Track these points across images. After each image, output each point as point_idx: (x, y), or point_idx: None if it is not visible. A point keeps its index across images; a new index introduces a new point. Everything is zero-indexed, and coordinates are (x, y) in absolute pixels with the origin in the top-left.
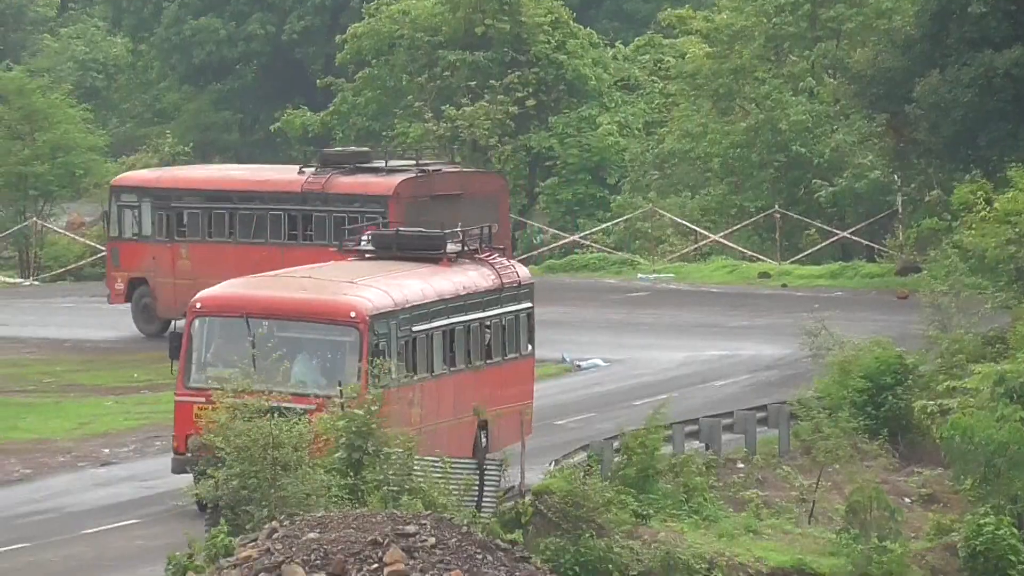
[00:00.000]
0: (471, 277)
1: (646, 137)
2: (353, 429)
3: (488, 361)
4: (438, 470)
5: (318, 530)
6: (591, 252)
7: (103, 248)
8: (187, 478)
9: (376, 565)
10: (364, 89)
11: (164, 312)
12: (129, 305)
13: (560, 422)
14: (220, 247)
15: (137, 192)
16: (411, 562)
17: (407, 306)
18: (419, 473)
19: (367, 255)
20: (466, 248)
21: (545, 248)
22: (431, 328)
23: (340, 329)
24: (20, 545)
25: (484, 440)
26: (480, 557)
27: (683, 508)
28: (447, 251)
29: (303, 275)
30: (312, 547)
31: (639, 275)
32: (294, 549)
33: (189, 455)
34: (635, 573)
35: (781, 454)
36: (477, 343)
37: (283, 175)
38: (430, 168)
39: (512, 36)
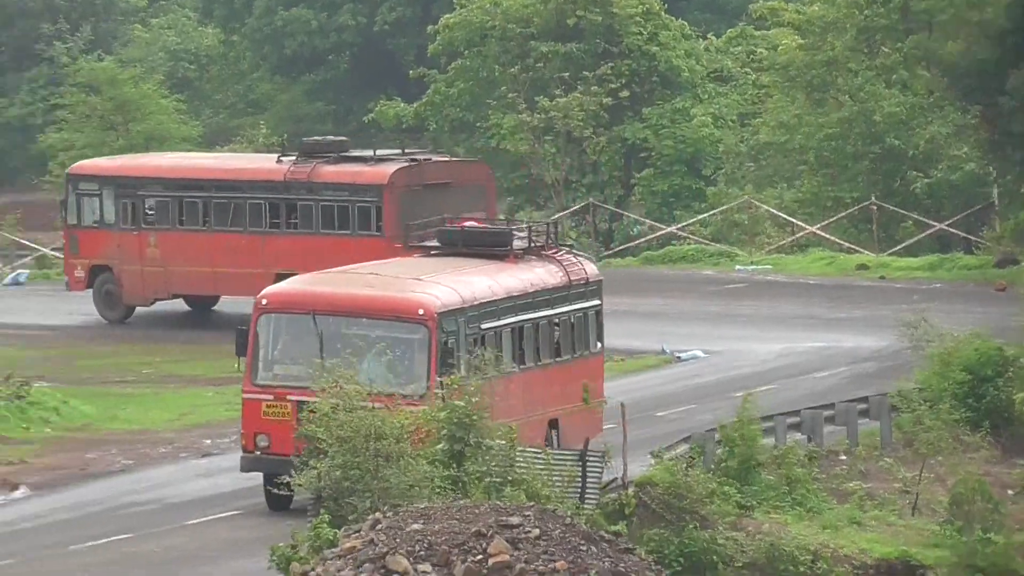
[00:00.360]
0: (538, 274)
1: (740, 128)
2: (455, 421)
3: (557, 359)
4: (541, 462)
5: (422, 521)
6: (688, 243)
7: None
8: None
9: (480, 556)
10: (457, 80)
11: (129, 299)
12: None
13: (661, 413)
14: (192, 235)
15: (98, 180)
16: (516, 553)
17: (475, 303)
18: (521, 465)
19: (432, 252)
20: (533, 244)
21: (642, 239)
22: (499, 325)
23: (408, 326)
24: (122, 536)
25: (555, 438)
26: (584, 548)
27: (786, 500)
28: (514, 247)
29: (369, 271)
30: (416, 538)
31: (737, 267)
32: (398, 540)
33: (258, 453)
34: (740, 564)
35: (883, 446)
36: (546, 340)
37: (262, 163)
38: (421, 157)
39: (604, 27)
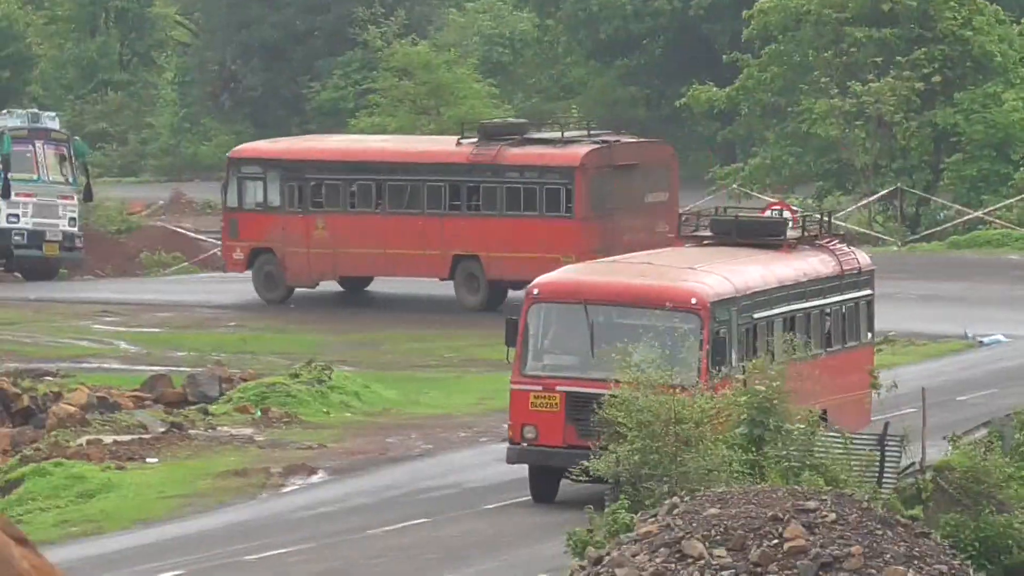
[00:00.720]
0: (811, 263)
1: None
2: (755, 405)
3: (828, 349)
4: (839, 446)
5: (719, 506)
6: (995, 228)
7: None
8: None
9: (776, 541)
10: (770, 64)
11: (293, 281)
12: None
13: (962, 398)
14: (363, 218)
15: (261, 164)
16: (811, 538)
17: (748, 292)
18: (820, 449)
19: (704, 241)
20: (806, 233)
21: (949, 224)
22: (771, 315)
23: (681, 316)
24: (420, 520)
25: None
26: (880, 533)
27: None
28: (787, 237)
29: (641, 261)
30: (712, 522)
31: None
32: (694, 524)
33: (524, 444)
34: None
35: None
36: (817, 330)
37: (441, 146)
38: (611, 139)
39: (918, 12)
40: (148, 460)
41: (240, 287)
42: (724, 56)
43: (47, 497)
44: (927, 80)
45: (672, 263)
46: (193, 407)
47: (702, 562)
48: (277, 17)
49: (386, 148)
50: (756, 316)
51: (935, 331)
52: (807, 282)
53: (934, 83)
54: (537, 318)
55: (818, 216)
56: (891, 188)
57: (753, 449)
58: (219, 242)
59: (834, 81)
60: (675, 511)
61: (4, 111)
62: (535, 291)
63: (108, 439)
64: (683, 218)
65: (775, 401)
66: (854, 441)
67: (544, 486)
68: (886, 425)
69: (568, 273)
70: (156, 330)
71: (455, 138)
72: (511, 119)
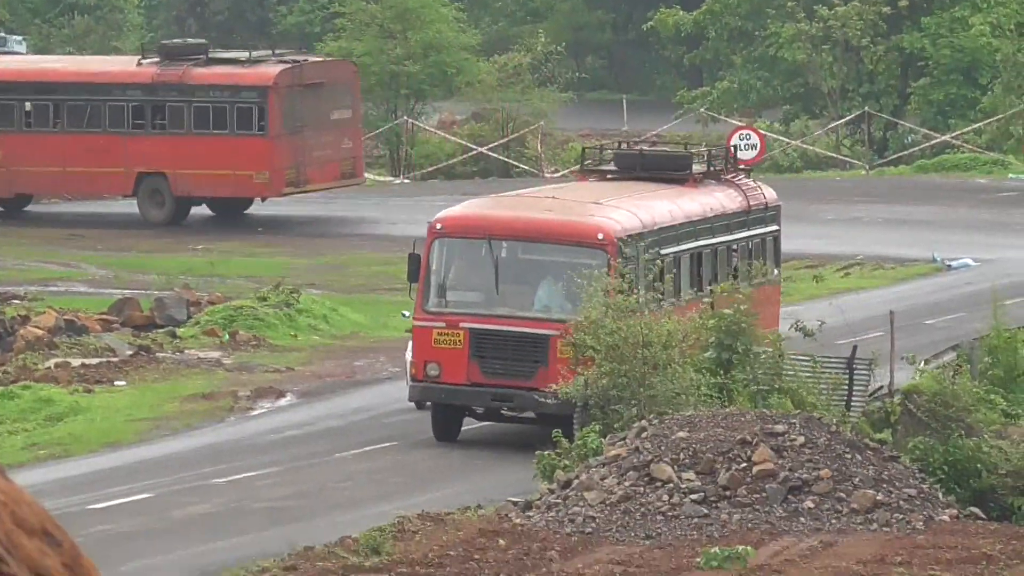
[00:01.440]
0: (718, 198)
1: (1018, 38)
2: (723, 328)
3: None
4: (807, 369)
5: (687, 429)
6: (962, 152)
7: (475, 146)
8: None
9: (745, 464)
10: None
11: None
12: None
13: (930, 322)
14: (40, 137)
15: None
16: (779, 461)
17: (655, 228)
18: (788, 372)
19: (609, 176)
20: (712, 168)
21: (916, 148)
22: (678, 251)
23: (587, 252)
24: (387, 444)
25: None
26: (848, 456)
27: None
28: (693, 171)
29: (546, 195)
30: (681, 446)
31: (1010, 175)
32: (663, 448)
33: (427, 382)
34: (1004, 472)
35: None
36: (724, 267)
37: (122, 67)
38: (300, 59)
39: None
40: (116, 383)
41: (207, 210)
42: None
43: (15, 420)
44: (893, 4)
45: (578, 197)
46: (161, 330)
47: (671, 485)
48: None
49: (63, 69)
50: (663, 252)
51: (903, 255)
52: (714, 217)
53: (900, 7)
54: (440, 253)
55: (723, 150)
56: (858, 112)
57: (721, 372)
58: None
59: (800, 5)
60: (644, 434)
61: None
62: (438, 225)
63: (76, 362)
64: (587, 152)
65: (743, 324)
66: (823, 365)
67: (447, 424)
68: (854, 348)
69: (472, 208)
70: (124, 254)
71: (136, 58)
72: (191, 40)
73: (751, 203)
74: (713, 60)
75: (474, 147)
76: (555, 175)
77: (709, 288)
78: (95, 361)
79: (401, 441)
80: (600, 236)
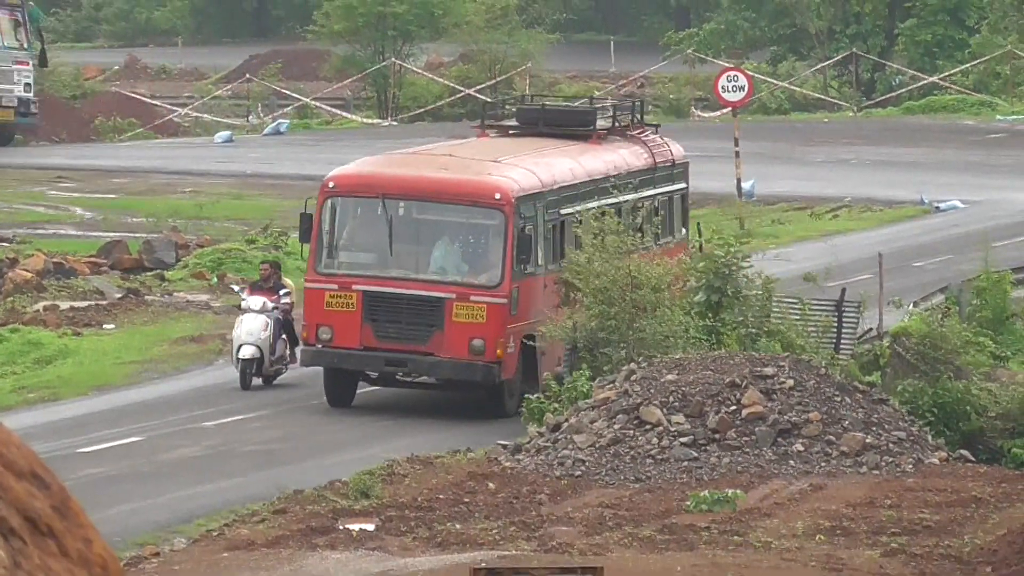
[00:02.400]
0: (622, 155)
1: None
2: (713, 271)
3: (640, 246)
4: (796, 312)
5: (676, 372)
6: (949, 94)
7: (462, 88)
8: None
9: (734, 407)
10: None
11: None
12: None
13: (918, 264)
14: None
15: None
16: (769, 404)
17: (555, 187)
18: (777, 315)
19: (511, 132)
20: (617, 124)
21: (903, 89)
22: (580, 211)
23: (484, 211)
24: (378, 387)
25: None
26: (838, 399)
27: None
28: (597, 127)
29: (443, 153)
30: (670, 389)
31: (998, 116)
32: (652, 391)
33: (319, 346)
34: (993, 414)
35: None
36: (628, 226)
37: None
38: None
39: None
40: (105, 326)
41: (195, 152)
42: None
43: (3, 363)
44: None
45: (476, 155)
46: (149, 273)
47: (660, 428)
48: None
49: None
50: (565, 212)
51: (891, 197)
52: (618, 175)
53: None
54: (333, 213)
55: (629, 104)
56: (845, 53)
57: (710, 315)
58: (175, 108)
59: None
60: (633, 377)
61: None
62: (330, 184)
63: (65, 305)
64: (487, 107)
65: (733, 267)
66: (811, 307)
67: (340, 390)
68: (843, 291)
69: (365, 165)
70: (111, 196)
71: None
72: None
73: (657, 160)
74: (700, 1)
75: (461, 89)
76: None
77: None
78: (84, 304)
79: (391, 386)
80: (497, 195)
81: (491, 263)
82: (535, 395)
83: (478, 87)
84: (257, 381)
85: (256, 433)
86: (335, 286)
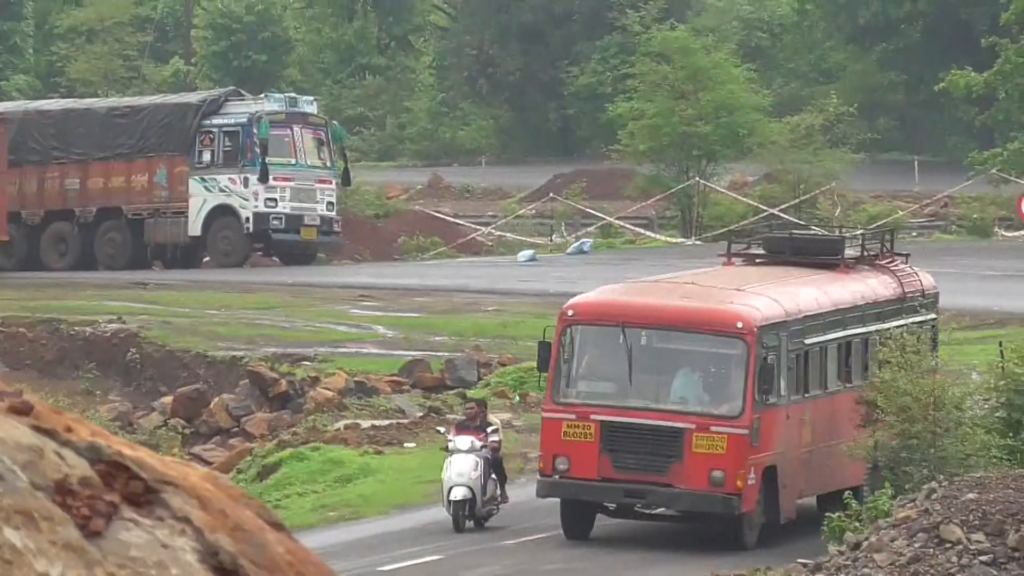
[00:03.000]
0: (871, 285)
1: None
2: (1013, 388)
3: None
4: None
5: (977, 491)
6: None
7: (766, 208)
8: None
9: None
10: None
11: None
12: None
13: None
14: None
15: None
16: None
17: (799, 316)
18: None
19: (756, 260)
20: (866, 253)
21: None
22: (825, 340)
23: (725, 340)
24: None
25: None
26: None
27: None
28: (845, 256)
29: (685, 281)
30: (971, 507)
31: None
32: (952, 509)
33: (557, 477)
34: None
35: None
36: (876, 357)
37: None
38: None
39: None
40: (406, 445)
41: (499, 271)
42: (983, 40)
43: (304, 482)
44: None
45: (718, 283)
46: (451, 391)
47: (960, 547)
48: (535, 0)
49: None
50: (809, 341)
51: None
52: (865, 305)
53: None
54: (571, 341)
55: (879, 233)
56: None
57: (1011, 434)
58: (478, 227)
59: None
60: (933, 496)
61: (262, 95)
62: (570, 312)
63: (366, 423)
64: (734, 236)
65: None
66: None
67: (578, 521)
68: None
69: (605, 293)
70: (414, 314)
71: None
72: None
73: (906, 290)
74: (1004, 121)
75: (765, 208)
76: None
77: (863, 381)
78: (385, 423)
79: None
80: (739, 324)
81: (732, 393)
82: (836, 513)
83: (782, 206)
84: (469, 524)
85: (555, 551)
86: (573, 416)
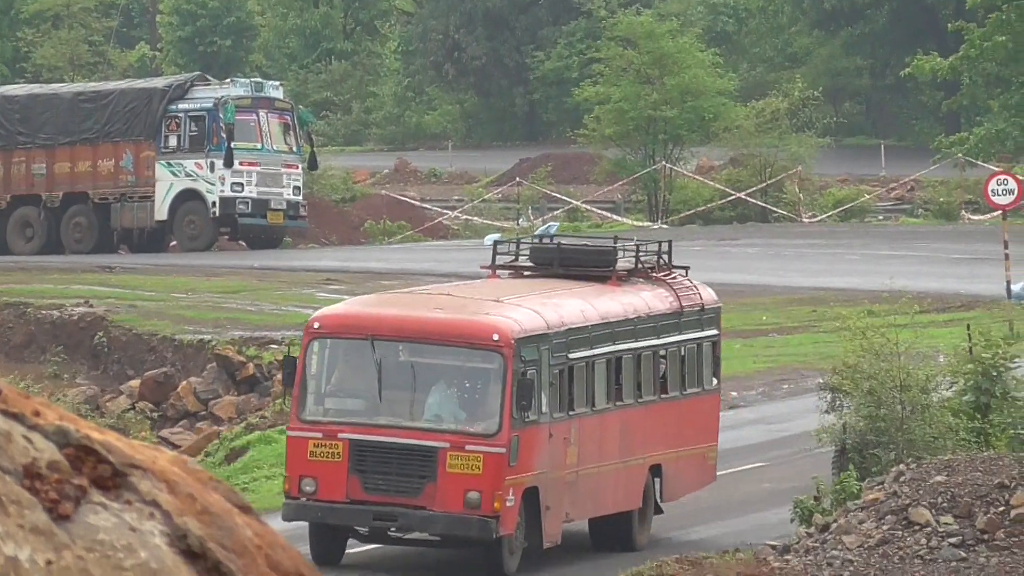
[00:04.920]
0: (644, 298)
1: None
2: (981, 372)
3: (663, 396)
4: None
5: (945, 473)
6: None
7: (733, 192)
8: (814, 419)
9: (1003, 508)
10: (994, 34)
11: None
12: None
13: None
14: None
15: None
16: None
17: (562, 329)
18: None
19: (524, 272)
20: (640, 265)
21: None
22: (592, 356)
23: (481, 354)
24: None
25: (657, 486)
26: None
27: None
28: (617, 268)
29: (441, 292)
30: (939, 490)
31: None
32: (921, 492)
33: (303, 499)
34: None
35: None
36: (650, 375)
37: None
38: None
39: None
40: None
41: (465, 255)
42: (948, 25)
43: (272, 465)
44: None
45: (477, 295)
46: None
47: (928, 529)
48: None
49: None
50: (573, 356)
51: None
52: (637, 319)
53: None
54: (318, 355)
55: (655, 246)
56: None
57: (979, 416)
58: (444, 211)
59: None
60: (902, 478)
61: (228, 80)
62: (315, 325)
63: None
64: (499, 246)
65: (1001, 368)
66: None
67: (327, 546)
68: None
69: (354, 305)
70: None
71: None
72: None
73: (684, 304)
74: (970, 106)
75: (732, 192)
76: (812, 220)
77: (634, 400)
78: None
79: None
80: (495, 336)
81: (489, 410)
82: (803, 496)
83: (749, 190)
84: None
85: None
86: (320, 434)
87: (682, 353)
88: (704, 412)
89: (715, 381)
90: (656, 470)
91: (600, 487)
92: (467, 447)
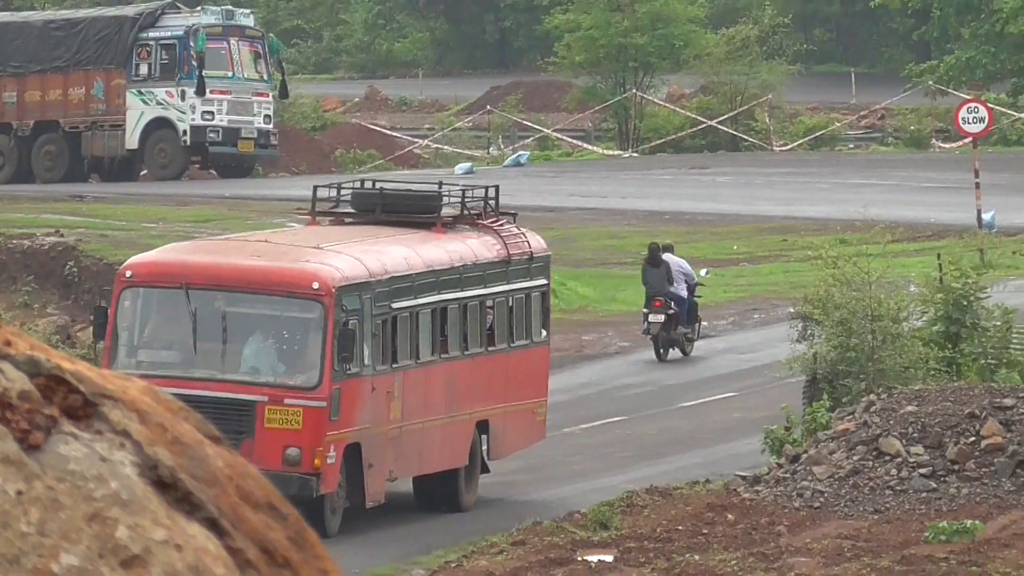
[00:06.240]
0: (470, 246)
1: None
2: (951, 302)
3: (490, 348)
4: None
5: (915, 403)
6: None
7: (704, 119)
8: (785, 349)
9: (973, 438)
10: None
11: None
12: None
13: None
14: None
15: None
16: (1008, 435)
17: (385, 277)
18: (1017, 346)
19: (346, 219)
20: (466, 211)
21: None
22: (416, 305)
23: (300, 303)
24: (616, 419)
25: (484, 444)
26: None
27: None
28: (442, 215)
29: (259, 239)
30: (909, 420)
31: None
32: (891, 422)
33: None
34: None
35: None
36: (476, 326)
37: None
38: None
39: None
40: None
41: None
42: None
43: None
44: None
45: (296, 242)
46: None
47: (899, 459)
48: None
49: None
50: (396, 306)
51: None
52: (463, 267)
53: None
54: (130, 306)
55: (482, 191)
56: None
57: (949, 346)
58: (415, 140)
59: None
60: (872, 409)
61: (198, 8)
62: (127, 273)
63: None
64: (318, 192)
65: (971, 298)
66: None
67: None
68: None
69: (168, 252)
70: None
71: None
72: None
73: (512, 252)
74: (941, 35)
75: (703, 120)
76: (783, 148)
77: (460, 352)
78: None
79: (629, 415)
80: (315, 285)
81: (309, 362)
82: (773, 426)
83: (719, 119)
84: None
85: (494, 464)
86: None
87: (510, 303)
88: (533, 366)
89: (544, 333)
90: (483, 426)
91: (425, 444)
92: (286, 400)
